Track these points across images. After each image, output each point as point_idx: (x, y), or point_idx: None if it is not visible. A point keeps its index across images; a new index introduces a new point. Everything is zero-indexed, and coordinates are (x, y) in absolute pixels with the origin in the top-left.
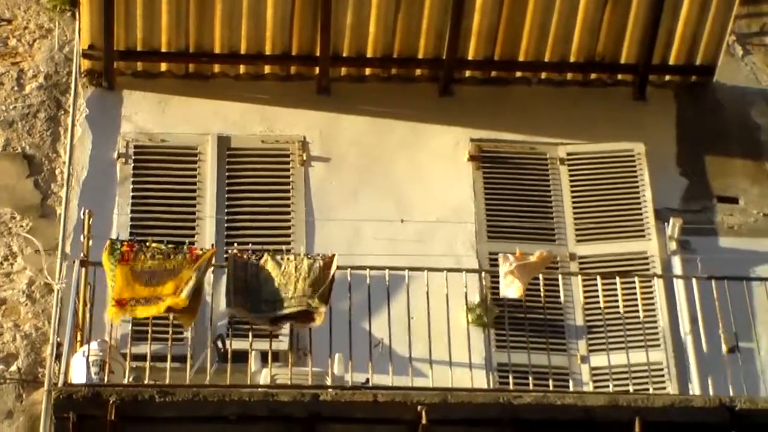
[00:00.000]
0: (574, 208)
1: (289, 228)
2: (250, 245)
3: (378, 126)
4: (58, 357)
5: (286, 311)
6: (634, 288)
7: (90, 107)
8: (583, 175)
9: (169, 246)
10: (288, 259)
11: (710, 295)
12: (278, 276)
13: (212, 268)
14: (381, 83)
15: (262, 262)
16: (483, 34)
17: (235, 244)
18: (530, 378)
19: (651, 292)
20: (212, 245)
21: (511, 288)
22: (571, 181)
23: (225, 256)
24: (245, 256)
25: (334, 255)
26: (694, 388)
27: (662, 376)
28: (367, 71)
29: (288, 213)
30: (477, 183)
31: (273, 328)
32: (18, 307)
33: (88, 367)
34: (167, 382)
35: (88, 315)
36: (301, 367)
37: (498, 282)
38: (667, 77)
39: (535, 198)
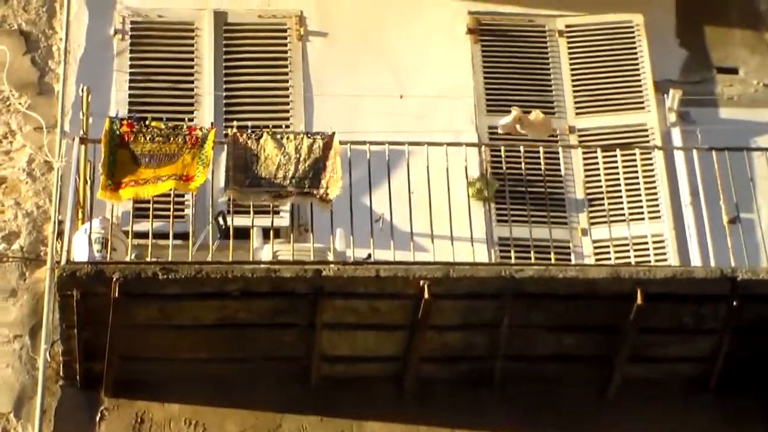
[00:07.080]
0: (573, 80)
1: (287, 104)
2: (249, 124)
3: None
4: (60, 235)
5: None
6: (635, 160)
7: None
8: (581, 47)
9: (169, 126)
10: (288, 138)
11: (711, 166)
12: (278, 155)
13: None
14: None
15: (262, 141)
16: None
17: (235, 123)
18: (532, 252)
19: (651, 164)
20: (212, 124)
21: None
22: (570, 53)
23: (224, 132)
24: (245, 136)
25: (334, 133)
26: (696, 260)
27: (663, 248)
28: None
29: (286, 89)
30: (475, 57)
31: (274, 202)
32: (18, 185)
33: (90, 245)
34: (169, 259)
35: (88, 193)
36: (302, 243)
37: (498, 156)
38: None
39: (534, 71)
